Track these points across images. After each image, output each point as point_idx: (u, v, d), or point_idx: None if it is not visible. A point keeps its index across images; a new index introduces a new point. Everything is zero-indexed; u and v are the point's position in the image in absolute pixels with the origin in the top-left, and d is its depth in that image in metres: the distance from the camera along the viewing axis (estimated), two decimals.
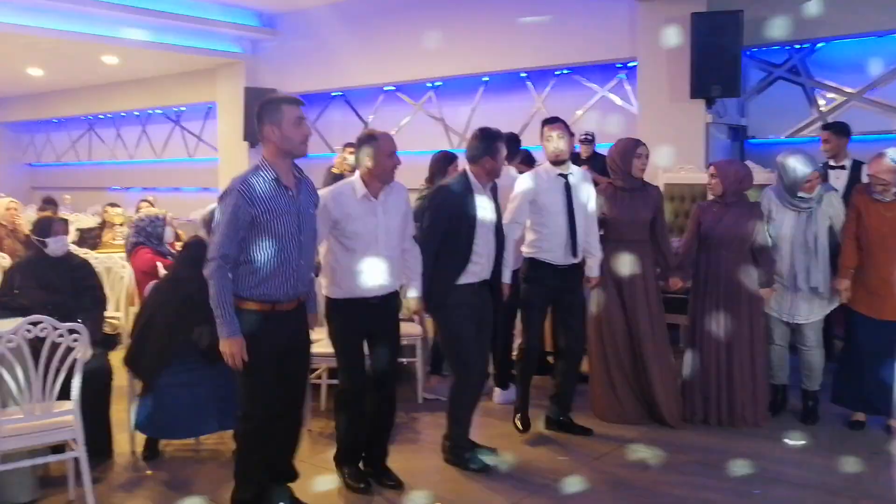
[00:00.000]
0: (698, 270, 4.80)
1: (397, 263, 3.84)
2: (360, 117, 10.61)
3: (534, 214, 4.50)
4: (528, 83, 9.10)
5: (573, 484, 3.94)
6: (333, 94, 10.72)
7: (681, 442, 4.55)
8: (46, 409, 3.49)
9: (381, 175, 3.71)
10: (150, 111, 13.47)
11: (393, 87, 10.13)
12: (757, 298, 4.74)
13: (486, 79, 9.33)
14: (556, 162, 4.46)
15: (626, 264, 4.67)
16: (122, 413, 4.49)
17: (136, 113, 13.76)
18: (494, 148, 4.06)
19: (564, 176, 4.47)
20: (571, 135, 4.47)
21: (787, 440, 4.52)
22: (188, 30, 9.97)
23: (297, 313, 3.42)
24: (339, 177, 6.55)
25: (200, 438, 4.47)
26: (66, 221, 4.63)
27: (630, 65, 8.04)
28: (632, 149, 4.69)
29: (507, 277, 4.38)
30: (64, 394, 3.53)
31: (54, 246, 4.46)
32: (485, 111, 9.45)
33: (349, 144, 7.71)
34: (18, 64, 11.66)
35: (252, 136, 10.15)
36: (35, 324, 3.42)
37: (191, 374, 4.15)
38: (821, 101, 7.15)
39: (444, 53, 8.87)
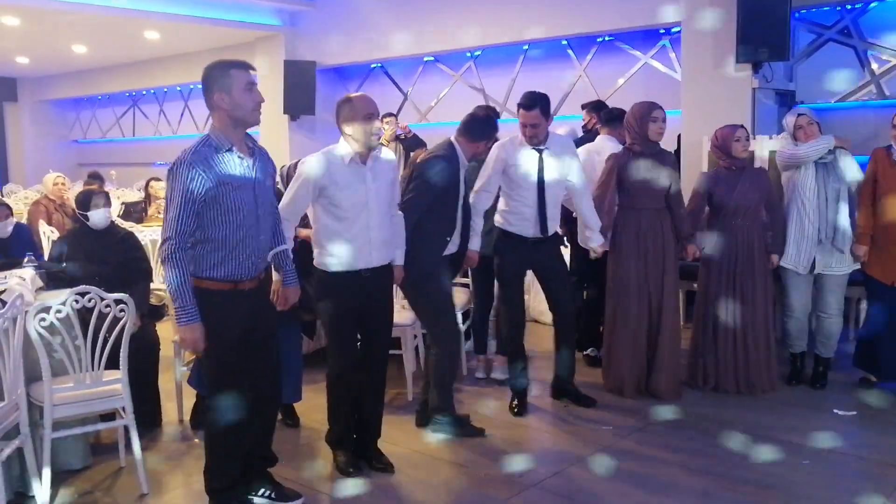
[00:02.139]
0: (715, 239, 4.72)
1: (388, 233, 3.72)
2: (399, 89, 10.56)
3: (504, 185, 4.45)
4: (570, 51, 8.94)
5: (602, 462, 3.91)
6: (373, 65, 10.67)
7: (707, 411, 4.51)
8: (96, 378, 3.56)
9: (364, 140, 3.55)
10: (192, 86, 13.55)
11: (432, 58, 10.05)
12: (768, 267, 4.73)
13: (527, 47, 9.19)
14: (533, 145, 4.36)
15: (644, 230, 4.60)
16: (170, 383, 4.58)
17: (178, 88, 13.87)
18: (494, 135, 4.31)
19: (539, 150, 4.36)
20: (548, 116, 4.33)
21: (836, 410, 4.46)
22: (227, 3, 9.99)
23: (259, 292, 3.26)
24: None
25: None
26: (106, 194, 4.68)
27: (674, 30, 7.85)
28: (647, 112, 4.58)
29: (475, 245, 4.39)
30: (112, 363, 3.59)
31: (95, 219, 4.52)
32: (525, 80, 9.31)
33: (388, 115, 7.65)
34: (63, 41, 11.80)
35: (293, 109, 10.19)
36: (83, 294, 3.48)
37: None
38: (874, 64, 6.90)
39: (484, 22, 8.76)
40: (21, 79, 16.42)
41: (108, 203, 4.63)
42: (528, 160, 4.35)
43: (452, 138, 4.17)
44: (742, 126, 4.77)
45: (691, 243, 4.75)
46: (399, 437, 4.20)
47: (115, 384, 3.60)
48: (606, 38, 8.56)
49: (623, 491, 3.58)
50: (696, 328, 4.91)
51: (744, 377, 4.74)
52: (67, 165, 14.90)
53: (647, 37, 8.24)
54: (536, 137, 4.32)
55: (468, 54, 9.68)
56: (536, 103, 4.29)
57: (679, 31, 7.48)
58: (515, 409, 4.57)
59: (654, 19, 7.58)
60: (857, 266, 4.77)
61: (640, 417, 4.46)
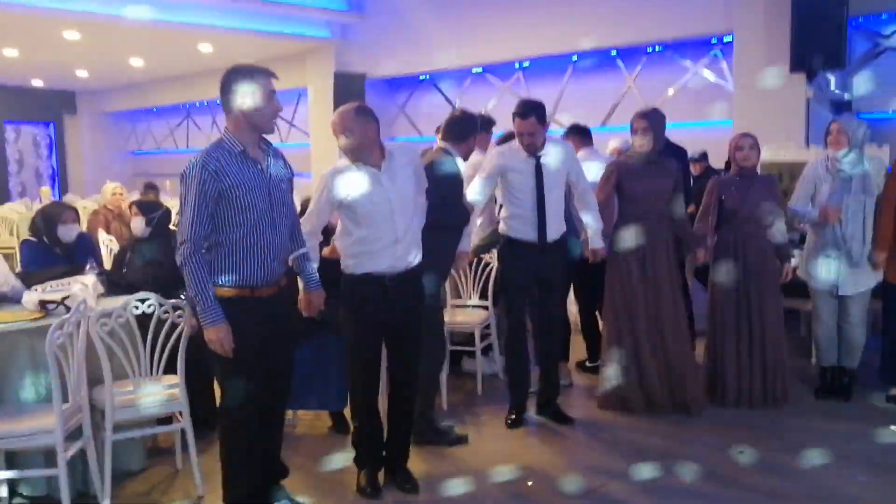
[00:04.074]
0: (722, 247, 4.65)
1: (414, 236, 3.59)
2: (448, 100, 10.63)
3: (504, 191, 4.43)
4: (619, 62, 8.92)
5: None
6: (421, 77, 10.77)
7: (740, 425, 4.40)
8: (154, 382, 3.65)
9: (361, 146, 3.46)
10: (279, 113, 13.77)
11: (481, 69, 10.10)
12: (778, 274, 4.65)
13: (576, 58, 9.19)
14: (531, 153, 4.32)
15: (643, 238, 4.51)
16: None
17: None
18: (477, 129, 4.33)
19: (536, 157, 4.32)
20: (544, 123, 4.30)
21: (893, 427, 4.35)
22: (279, 15, 10.19)
23: (278, 299, 3.19)
24: None
25: (298, 413, 4.59)
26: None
27: (725, 39, 7.77)
28: (631, 124, 4.56)
29: (466, 245, 4.38)
30: (171, 368, 3.68)
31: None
32: (573, 91, 9.33)
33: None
34: (121, 55, 12.14)
35: None
36: (142, 300, 3.58)
37: (297, 351, 4.24)
38: None
39: (532, 33, 8.80)
40: (80, 92, 16.92)
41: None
42: (525, 167, 4.33)
43: (443, 145, 4.21)
44: (748, 135, 4.69)
45: (700, 247, 4.67)
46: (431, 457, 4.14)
47: (172, 388, 3.68)
48: (656, 49, 8.51)
49: None
50: (709, 339, 4.82)
51: (760, 387, 4.63)
52: (124, 176, 15.28)
53: (698, 46, 8.18)
54: (533, 145, 4.29)
55: (517, 65, 9.71)
56: (531, 112, 4.27)
57: (731, 41, 7.42)
58: (510, 422, 4.50)
59: (705, 28, 7.55)
60: (880, 278, 4.65)
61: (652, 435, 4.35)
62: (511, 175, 4.36)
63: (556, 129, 9.14)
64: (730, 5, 7.19)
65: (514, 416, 4.54)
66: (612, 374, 4.68)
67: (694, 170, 5.77)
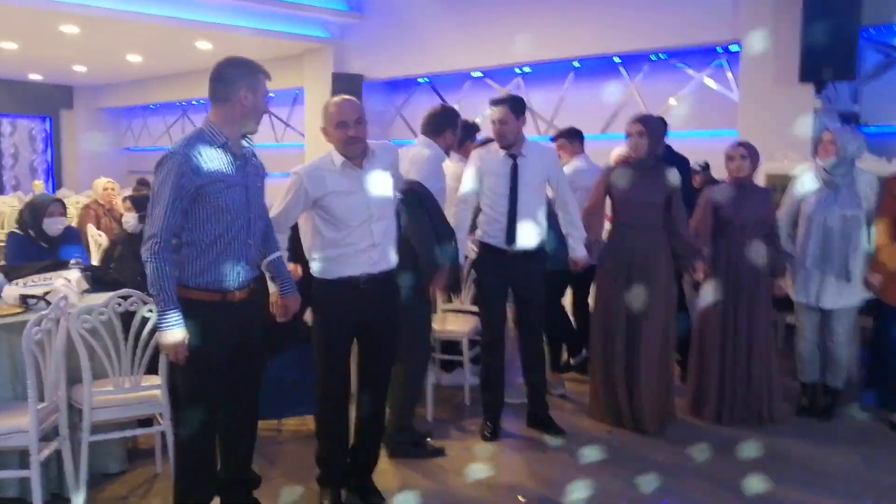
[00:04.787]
0: (716, 258, 4.52)
1: (391, 240, 3.44)
2: (445, 104, 10.51)
3: (481, 194, 4.31)
4: (621, 68, 8.81)
5: None
6: (420, 80, 10.66)
7: (724, 445, 4.24)
8: (135, 382, 3.51)
9: (339, 149, 3.29)
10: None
11: (480, 74, 9.99)
12: (772, 288, 4.55)
13: (577, 64, 9.08)
14: (502, 146, 4.23)
15: (635, 249, 4.38)
16: None
17: None
18: (457, 122, 4.27)
19: (513, 157, 4.21)
20: (518, 116, 4.20)
21: None
22: (278, 14, 10.07)
23: (250, 304, 3.03)
24: None
25: (282, 420, 4.46)
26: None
27: (731, 48, 7.67)
28: (626, 128, 4.45)
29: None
30: (152, 369, 3.55)
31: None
32: (574, 98, 9.21)
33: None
34: (119, 50, 12.01)
35: None
36: (125, 297, 3.45)
37: (280, 358, 4.10)
38: None
39: (533, 37, 8.67)
40: (77, 87, 16.80)
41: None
42: (501, 167, 4.22)
43: (422, 139, 4.15)
44: (740, 144, 4.58)
45: (699, 260, 4.49)
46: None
47: (153, 389, 3.55)
48: (660, 56, 8.40)
49: None
50: (695, 353, 4.68)
51: (742, 405, 4.51)
52: (119, 172, 15.14)
53: (703, 55, 8.07)
54: (503, 137, 4.18)
55: (517, 70, 9.60)
56: (505, 101, 4.23)
57: (737, 50, 7.32)
58: (487, 434, 4.35)
59: (710, 37, 7.44)
60: (868, 296, 4.56)
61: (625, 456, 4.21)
62: (487, 177, 4.25)
63: (553, 134, 9.05)
64: (737, 14, 7.08)
65: (489, 427, 4.38)
66: (592, 386, 4.61)
67: (695, 181, 5.66)
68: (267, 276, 3.27)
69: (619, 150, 5.59)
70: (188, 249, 2.86)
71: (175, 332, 2.80)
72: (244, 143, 3.00)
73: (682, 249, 4.48)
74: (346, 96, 3.37)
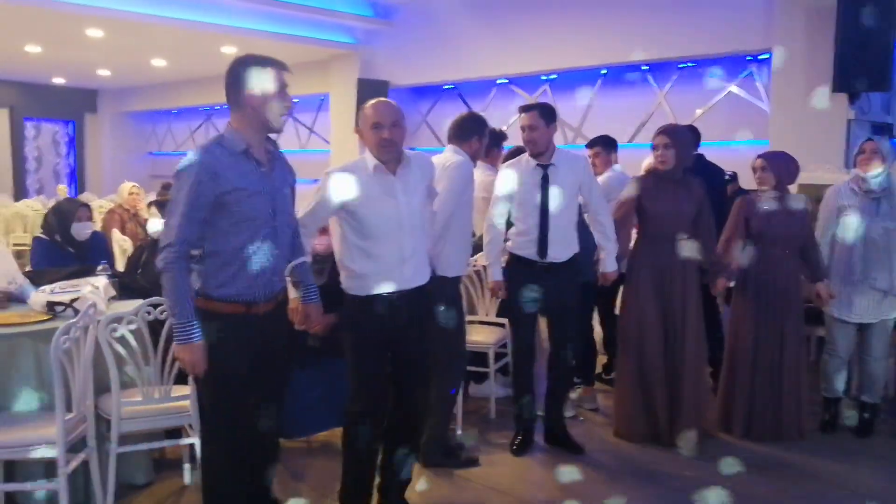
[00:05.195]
0: (746, 272, 4.42)
1: (424, 252, 3.29)
2: (472, 111, 10.45)
3: (513, 207, 4.22)
4: (649, 77, 8.72)
5: None
6: (445, 87, 10.62)
7: (767, 459, 4.17)
8: (164, 392, 3.46)
9: (374, 151, 3.16)
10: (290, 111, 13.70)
11: (506, 80, 9.94)
12: (803, 302, 4.44)
13: (605, 72, 9.00)
14: (532, 154, 4.14)
15: (664, 262, 4.29)
16: None
17: None
18: (484, 129, 4.09)
19: (544, 167, 4.12)
20: (549, 123, 4.11)
21: None
22: (304, 20, 10.05)
23: (276, 315, 2.90)
24: None
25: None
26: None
27: (761, 57, 7.56)
28: (653, 140, 4.36)
29: (496, 275, 4.24)
30: (181, 378, 3.50)
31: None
32: (601, 106, 9.14)
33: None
34: (144, 55, 12.06)
35: None
36: (155, 305, 3.40)
37: (303, 374, 4.00)
38: None
39: (561, 45, 8.62)
40: (102, 90, 16.91)
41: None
42: (531, 178, 4.13)
43: (450, 146, 4.05)
44: (759, 156, 4.49)
45: (721, 276, 4.41)
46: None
47: (183, 400, 3.50)
48: (689, 65, 8.30)
49: None
50: (726, 368, 4.58)
51: (773, 423, 4.40)
52: (142, 176, 15.20)
53: (732, 63, 7.98)
54: (534, 143, 4.09)
55: (543, 77, 9.53)
56: (535, 107, 4.15)
57: (767, 58, 7.22)
58: (515, 447, 4.27)
59: (741, 46, 7.36)
60: None
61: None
62: (518, 189, 4.17)
63: (582, 143, 8.95)
64: (769, 23, 6.98)
65: (519, 440, 4.31)
66: (620, 401, 4.50)
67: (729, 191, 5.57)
68: (289, 281, 3.12)
69: (649, 160, 5.52)
70: (211, 260, 2.74)
71: (193, 345, 2.68)
72: (269, 147, 2.87)
73: (708, 263, 4.40)
74: (384, 99, 3.28)
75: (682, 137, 4.38)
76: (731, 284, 4.54)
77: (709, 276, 4.44)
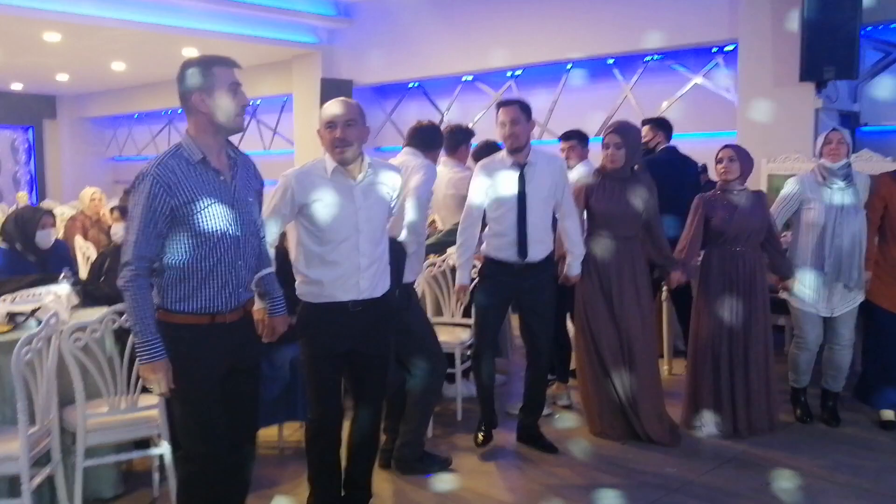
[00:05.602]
0: (708, 269, 4.41)
1: (382, 260, 3.22)
2: (437, 108, 10.41)
3: (487, 208, 4.14)
4: (615, 70, 8.72)
5: None
6: (410, 84, 10.54)
7: (743, 454, 4.16)
8: (131, 402, 3.35)
9: (329, 152, 3.10)
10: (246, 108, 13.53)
11: (471, 77, 9.88)
12: (767, 296, 4.43)
13: (570, 66, 8.99)
14: (510, 151, 4.07)
15: (612, 260, 4.29)
16: None
17: None
18: (441, 145, 4.23)
19: (521, 166, 4.06)
20: (528, 118, 4.07)
21: None
22: (265, 20, 9.93)
23: (242, 325, 2.79)
24: None
25: (284, 436, 4.31)
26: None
27: (726, 49, 7.59)
28: (603, 137, 4.33)
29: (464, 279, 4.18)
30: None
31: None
32: (568, 101, 9.13)
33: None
34: (103, 58, 11.81)
35: None
36: (120, 313, 3.29)
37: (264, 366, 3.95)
38: None
39: (525, 40, 8.58)
40: (60, 96, 16.59)
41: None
42: (508, 177, 4.06)
43: (409, 150, 4.03)
44: (728, 146, 4.46)
45: (675, 269, 4.40)
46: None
47: (151, 409, 3.39)
48: (654, 57, 8.32)
49: None
50: (690, 364, 4.56)
51: (743, 417, 4.39)
52: (104, 182, 14.92)
53: (698, 55, 8.00)
54: (516, 138, 4.00)
55: (509, 73, 9.49)
56: (515, 102, 4.10)
57: (733, 49, 7.24)
58: (479, 440, 4.28)
59: (706, 37, 7.37)
60: (863, 297, 4.51)
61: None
62: (493, 188, 4.08)
63: (549, 139, 8.95)
64: (734, 14, 7.00)
65: (482, 433, 4.29)
66: (585, 399, 4.50)
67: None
68: (255, 292, 2.99)
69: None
70: (170, 273, 2.62)
71: (157, 363, 2.56)
72: (230, 152, 2.75)
73: (658, 258, 4.41)
74: (343, 98, 3.20)
75: (633, 138, 4.36)
76: (685, 280, 4.52)
77: (661, 272, 4.43)
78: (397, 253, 3.55)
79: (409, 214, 3.73)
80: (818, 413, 4.63)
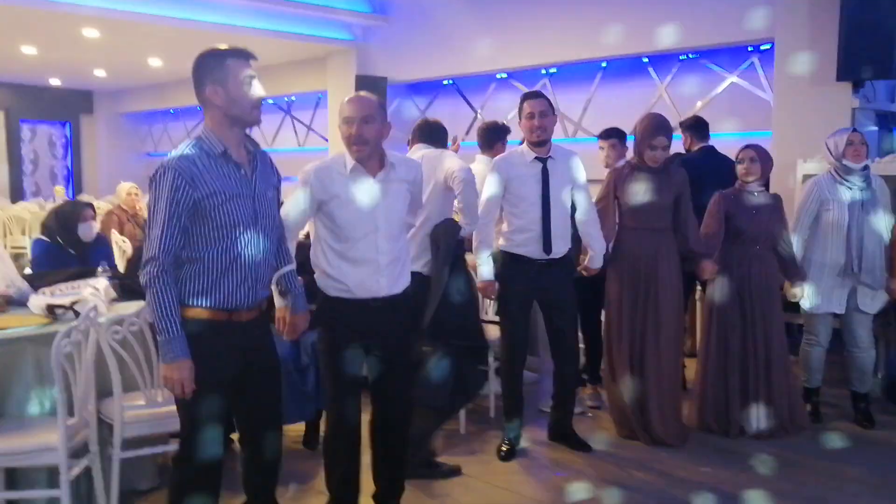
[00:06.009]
0: (727, 266, 4.37)
1: (402, 258, 3.17)
2: (470, 106, 10.39)
3: (505, 203, 4.11)
4: (650, 69, 8.64)
5: None
6: (444, 82, 10.54)
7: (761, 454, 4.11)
8: (168, 396, 3.39)
9: (347, 149, 3.06)
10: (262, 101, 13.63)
11: (505, 75, 9.85)
12: (780, 298, 4.42)
13: (605, 64, 8.93)
14: (536, 143, 4.05)
15: (641, 253, 4.26)
16: None
17: None
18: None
19: (543, 160, 4.04)
20: (553, 112, 4.08)
21: None
22: (301, 17, 9.98)
23: (259, 323, 2.77)
24: None
25: (290, 435, 4.29)
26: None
27: (763, 47, 7.49)
28: (648, 137, 4.23)
29: (489, 274, 4.11)
30: None
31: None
32: (602, 99, 9.06)
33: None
34: (140, 54, 11.97)
35: None
36: None
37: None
38: None
39: (560, 38, 8.54)
40: (97, 92, 16.83)
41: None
42: (530, 171, 4.05)
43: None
44: (750, 146, 4.43)
45: (707, 260, 4.37)
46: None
47: None
48: (690, 56, 8.23)
49: None
50: (702, 364, 4.52)
51: (765, 416, 4.34)
52: (139, 177, 14.94)
53: (734, 54, 7.89)
54: (544, 129, 3.99)
55: (543, 71, 9.45)
56: (542, 94, 4.14)
57: (769, 48, 7.14)
58: (502, 453, 4.19)
59: (742, 36, 7.27)
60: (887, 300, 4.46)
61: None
62: (514, 183, 4.07)
63: (582, 136, 8.91)
64: (771, 12, 6.90)
65: (507, 446, 4.22)
66: (613, 399, 4.48)
67: None
68: (275, 290, 2.99)
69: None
70: (189, 266, 2.59)
71: (181, 363, 2.52)
72: (249, 146, 2.74)
73: (691, 252, 4.39)
74: (364, 93, 3.16)
75: (671, 136, 4.35)
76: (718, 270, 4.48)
77: (693, 263, 4.41)
78: (449, 230, 3.68)
79: (464, 197, 3.82)
80: (838, 414, 4.62)
